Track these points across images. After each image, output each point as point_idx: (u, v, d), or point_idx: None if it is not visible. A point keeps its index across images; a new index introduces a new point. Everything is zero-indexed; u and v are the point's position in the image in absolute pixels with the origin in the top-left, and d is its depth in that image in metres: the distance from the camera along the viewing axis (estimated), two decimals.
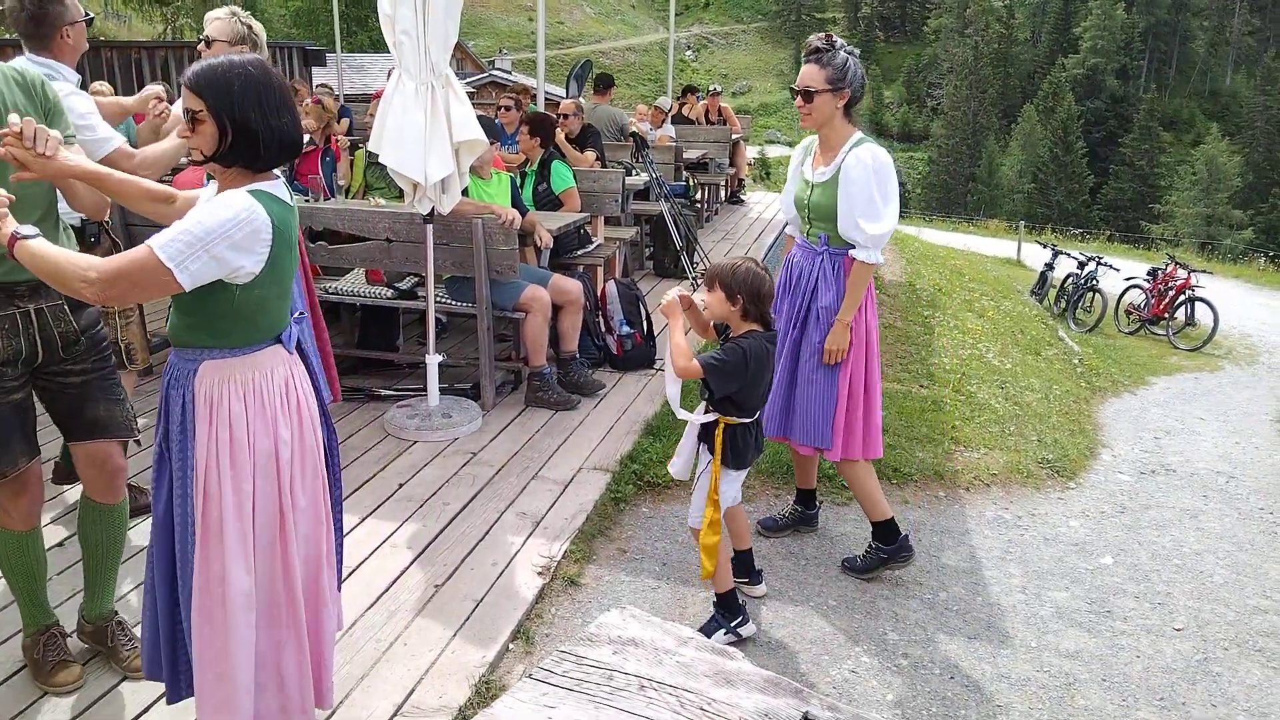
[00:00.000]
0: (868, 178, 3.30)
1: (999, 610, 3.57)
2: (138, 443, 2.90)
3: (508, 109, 7.36)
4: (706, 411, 3.11)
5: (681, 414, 3.08)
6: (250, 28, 4.09)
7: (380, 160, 4.38)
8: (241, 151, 2.09)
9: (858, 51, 3.45)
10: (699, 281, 3.31)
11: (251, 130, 2.07)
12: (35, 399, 2.68)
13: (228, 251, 2.00)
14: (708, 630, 3.24)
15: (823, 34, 3.46)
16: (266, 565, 2.20)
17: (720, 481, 3.08)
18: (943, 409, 5.53)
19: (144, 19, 21.09)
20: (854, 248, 3.42)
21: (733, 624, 3.21)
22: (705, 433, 3.13)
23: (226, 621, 2.13)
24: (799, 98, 3.40)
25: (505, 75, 27.61)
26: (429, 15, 4.18)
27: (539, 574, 3.45)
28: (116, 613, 2.91)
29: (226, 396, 2.13)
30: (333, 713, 2.67)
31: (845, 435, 3.55)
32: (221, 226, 1.99)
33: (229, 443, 2.12)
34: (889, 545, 3.65)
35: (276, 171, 2.20)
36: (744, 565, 3.48)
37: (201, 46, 4.05)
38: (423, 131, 4.25)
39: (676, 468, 3.27)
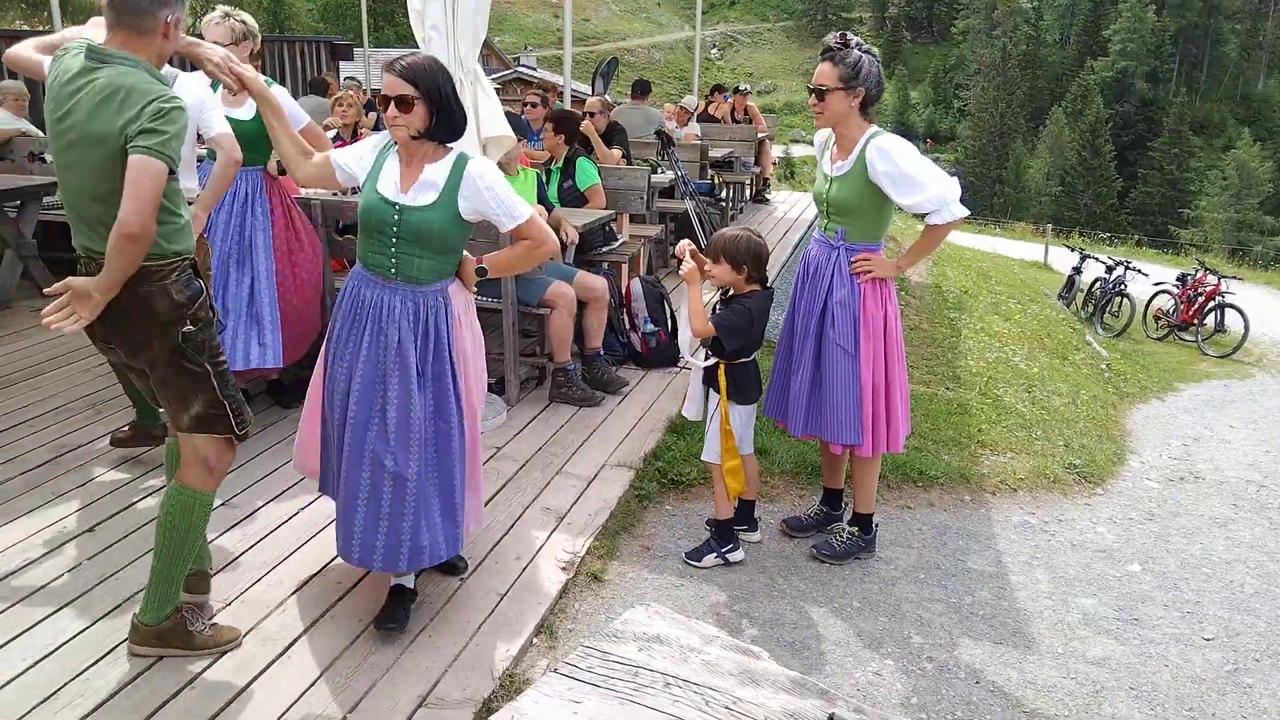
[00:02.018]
0: (892, 159, 3.31)
1: (1025, 615, 3.54)
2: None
3: (534, 105, 7.36)
4: (707, 358, 3.60)
5: (691, 361, 3.66)
6: (245, 23, 4.17)
7: None
8: (443, 127, 2.75)
9: (875, 51, 3.44)
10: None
11: (450, 111, 2.74)
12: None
13: None
14: (699, 553, 3.69)
15: (838, 33, 3.47)
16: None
17: (729, 414, 3.53)
18: (969, 412, 5.49)
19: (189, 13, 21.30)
20: (875, 243, 3.53)
21: (723, 549, 3.68)
22: (709, 377, 3.60)
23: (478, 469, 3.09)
24: (813, 95, 3.43)
25: (530, 72, 27.67)
26: (459, 11, 4.18)
27: (563, 569, 3.45)
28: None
29: (469, 304, 2.97)
30: (357, 703, 2.68)
31: (870, 428, 3.54)
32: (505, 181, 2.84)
33: (474, 335, 2.98)
34: (868, 536, 3.83)
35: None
36: (746, 513, 3.84)
37: None
38: None
39: (689, 410, 3.76)
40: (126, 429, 4.15)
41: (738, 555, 3.69)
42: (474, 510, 3.14)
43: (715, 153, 9.51)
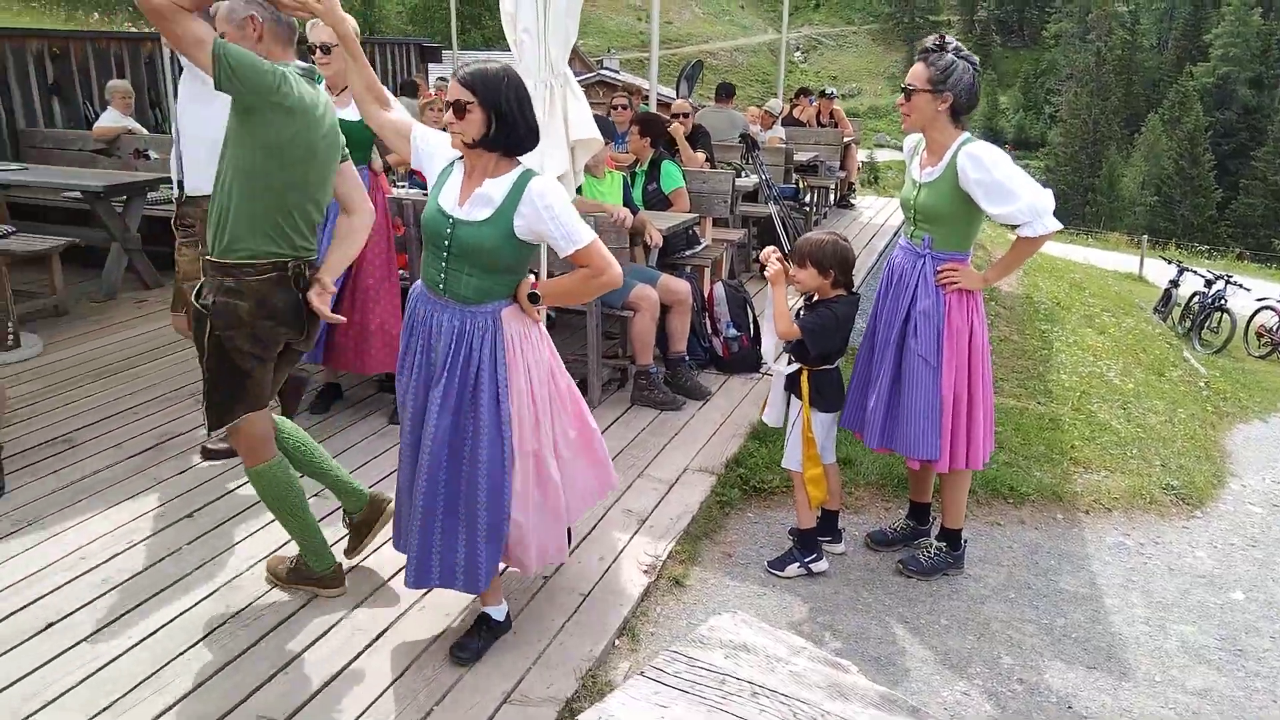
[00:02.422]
0: (985, 167, 3.23)
1: (1120, 641, 3.41)
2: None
3: (623, 108, 7.39)
4: (790, 363, 3.53)
5: (773, 366, 3.60)
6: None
7: None
8: (503, 138, 2.59)
9: (975, 60, 3.34)
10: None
11: (513, 123, 2.58)
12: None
13: None
14: (782, 562, 3.64)
15: (938, 35, 3.41)
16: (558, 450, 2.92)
17: (811, 421, 3.49)
18: (1061, 427, 5.33)
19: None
20: (963, 252, 3.44)
21: (807, 558, 3.63)
22: (792, 383, 3.55)
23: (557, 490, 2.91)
24: (902, 95, 3.39)
25: (613, 75, 27.78)
26: (550, 13, 4.21)
27: (644, 572, 3.45)
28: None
29: (527, 330, 2.77)
30: (444, 695, 2.72)
31: (950, 443, 3.46)
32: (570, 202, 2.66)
33: (535, 364, 2.77)
34: (956, 552, 3.74)
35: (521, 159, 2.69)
36: (829, 524, 3.79)
37: (318, 54, 4.18)
38: (541, 129, 4.28)
39: (770, 416, 3.69)
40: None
41: (821, 565, 3.65)
42: (535, 544, 2.91)
43: (800, 156, 9.43)
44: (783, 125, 10.50)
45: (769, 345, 3.55)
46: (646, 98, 8.68)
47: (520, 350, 2.74)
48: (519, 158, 2.68)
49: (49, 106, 8.56)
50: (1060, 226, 3.34)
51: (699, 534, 3.83)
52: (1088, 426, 5.45)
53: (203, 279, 2.90)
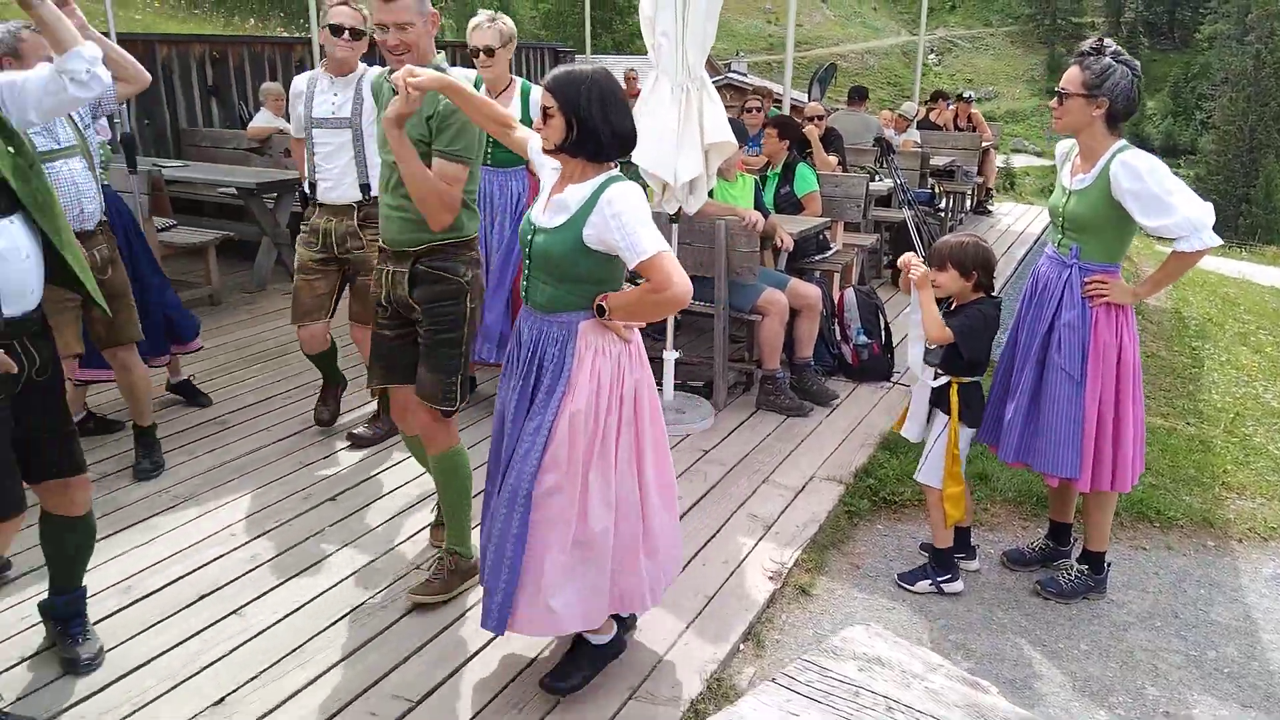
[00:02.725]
0: (1140, 177, 3.07)
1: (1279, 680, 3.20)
2: (448, 410, 3.21)
3: (755, 110, 7.35)
4: (936, 376, 3.40)
5: (920, 377, 3.44)
6: (508, 25, 4.34)
7: (632, 159, 4.48)
8: (583, 145, 2.47)
9: (1136, 65, 3.18)
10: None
11: (593, 128, 2.44)
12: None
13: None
14: (913, 577, 3.55)
15: (1097, 37, 3.27)
16: (627, 489, 2.64)
17: (959, 437, 3.37)
18: (1212, 450, 5.03)
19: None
20: (1113, 265, 3.30)
21: (940, 577, 3.51)
22: (938, 397, 3.41)
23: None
24: (1055, 98, 3.25)
25: (741, 77, 27.69)
26: (689, 17, 4.23)
27: (770, 578, 3.43)
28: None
29: (606, 347, 2.56)
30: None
31: (1093, 463, 3.31)
32: (647, 211, 2.44)
33: (609, 386, 2.55)
34: (1098, 575, 3.57)
35: (613, 165, 2.56)
36: (963, 540, 3.68)
37: (482, 57, 4.31)
38: (675, 133, 4.31)
39: (910, 430, 3.54)
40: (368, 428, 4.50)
41: (956, 587, 3.53)
42: (559, 602, 2.56)
43: (936, 161, 9.19)
44: (918, 129, 10.27)
45: (915, 354, 3.42)
46: (779, 101, 8.61)
47: (591, 367, 2.54)
48: (612, 163, 2.55)
49: (208, 107, 9.10)
50: (1219, 242, 3.15)
51: (826, 543, 3.77)
52: (1241, 450, 5.13)
53: (444, 261, 3.01)
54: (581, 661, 2.78)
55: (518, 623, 2.60)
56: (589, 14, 11.18)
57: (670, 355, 4.81)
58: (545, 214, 2.57)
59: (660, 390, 4.87)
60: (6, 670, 2.82)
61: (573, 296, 2.54)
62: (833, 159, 7.39)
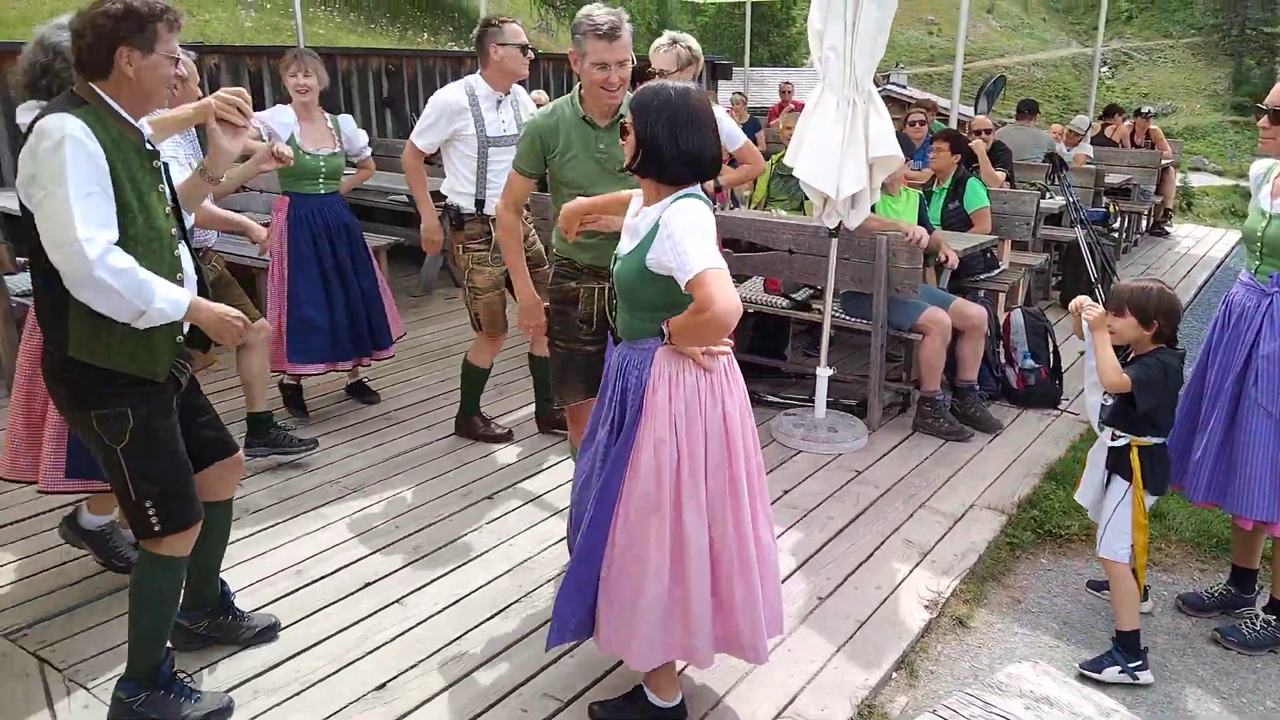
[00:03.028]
0: None
1: None
2: None
3: (919, 124, 7.18)
4: (1114, 438, 3.11)
5: (1099, 435, 3.18)
6: (690, 49, 4.21)
7: (795, 173, 4.44)
8: (648, 165, 2.35)
9: None
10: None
11: (657, 148, 2.32)
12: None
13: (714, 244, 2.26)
14: (1098, 665, 3.08)
15: None
16: (720, 523, 2.45)
17: (1142, 506, 3.07)
18: None
19: (569, 31, 23.27)
20: None
21: (1131, 665, 3.06)
22: (1117, 460, 3.11)
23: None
24: (1264, 116, 3.02)
25: (900, 90, 27.06)
26: (859, 31, 4.16)
27: (925, 607, 3.32)
28: None
29: (681, 374, 2.41)
30: (717, 703, 2.75)
31: None
32: (703, 227, 2.25)
33: (683, 414, 2.39)
34: None
35: (696, 189, 2.38)
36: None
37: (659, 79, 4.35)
38: (840, 146, 4.25)
39: (1084, 497, 3.31)
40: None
41: (1147, 677, 3.06)
42: (635, 639, 2.46)
43: (1112, 178, 8.73)
44: (1092, 144, 9.78)
45: (1093, 403, 3.16)
46: (943, 114, 8.38)
47: (665, 394, 2.40)
48: (689, 185, 2.38)
49: (382, 118, 9.57)
50: None
51: (985, 575, 3.63)
52: None
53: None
54: (632, 711, 2.68)
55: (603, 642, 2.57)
56: (749, 26, 11.17)
57: (823, 372, 4.74)
58: (623, 239, 2.49)
59: (812, 407, 4.84)
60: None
61: (647, 323, 2.43)
62: (1000, 174, 7.14)
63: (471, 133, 4.21)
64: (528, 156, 3.22)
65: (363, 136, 4.81)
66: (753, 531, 2.49)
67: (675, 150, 2.32)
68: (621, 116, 2.92)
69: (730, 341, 2.50)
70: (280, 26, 15.51)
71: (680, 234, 2.21)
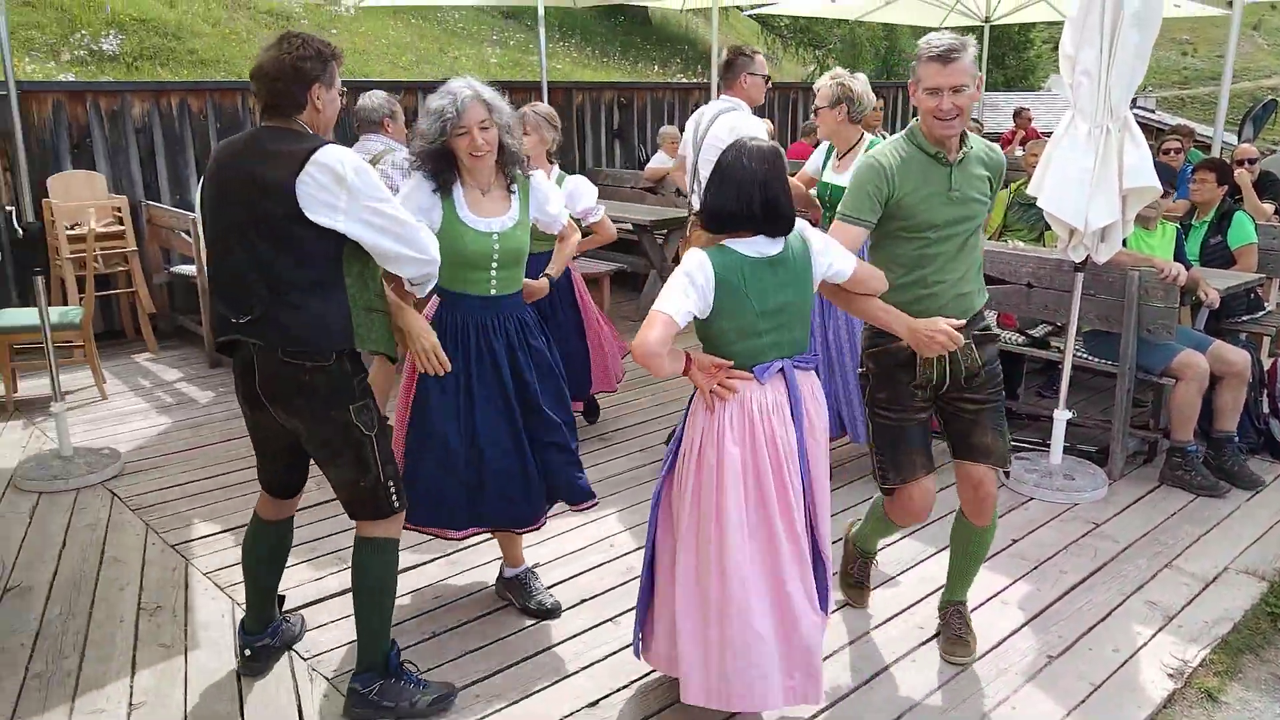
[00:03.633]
0: None
1: None
2: (1009, 470, 3.10)
3: (1175, 152, 6.66)
4: None
5: None
6: (844, 85, 4.19)
7: (1039, 203, 4.23)
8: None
9: None
10: None
11: (704, 196, 2.57)
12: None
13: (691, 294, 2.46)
14: None
15: None
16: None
17: None
18: None
19: (793, 59, 23.27)
20: None
21: None
22: None
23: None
24: None
25: (1148, 114, 25.18)
26: (1116, 55, 3.92)
27: (1169, 675, 3.05)
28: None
29: (696, 408, 2.62)
30: None
31: None
32: (689, 274, 2.47)
33: (699, 454, 2.55)
34: None
35: (729, 242, 2.51)
36: None
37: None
38: (1090, 176, 4.01)
39: None
40: None
41: None
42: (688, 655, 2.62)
43: None
44: None
45: None
46: (1201, 141, 7.72)
47: (695, 426, 2.62)
48: (724, 238, 2.56)
49: (611, 149, 9.93)
50: None
51: (1241, 646, 3.28)
52: None
53: None
54: None
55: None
56: (986, 50, 10.77)
57: (1062, 415, 4.47)
58: None
59: (1047, 451, 4.56)
60: (420, 642, 3.23)
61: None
62: (1268, 207, 6.51)
63: None
64: (867, 202, 2.82)
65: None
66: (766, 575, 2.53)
67: (707, 200, 2.55)
68: (969, 149, 2.86)
69: (744, 379, 2.54)
70: (522, 62, 16.45)
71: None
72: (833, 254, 2.64)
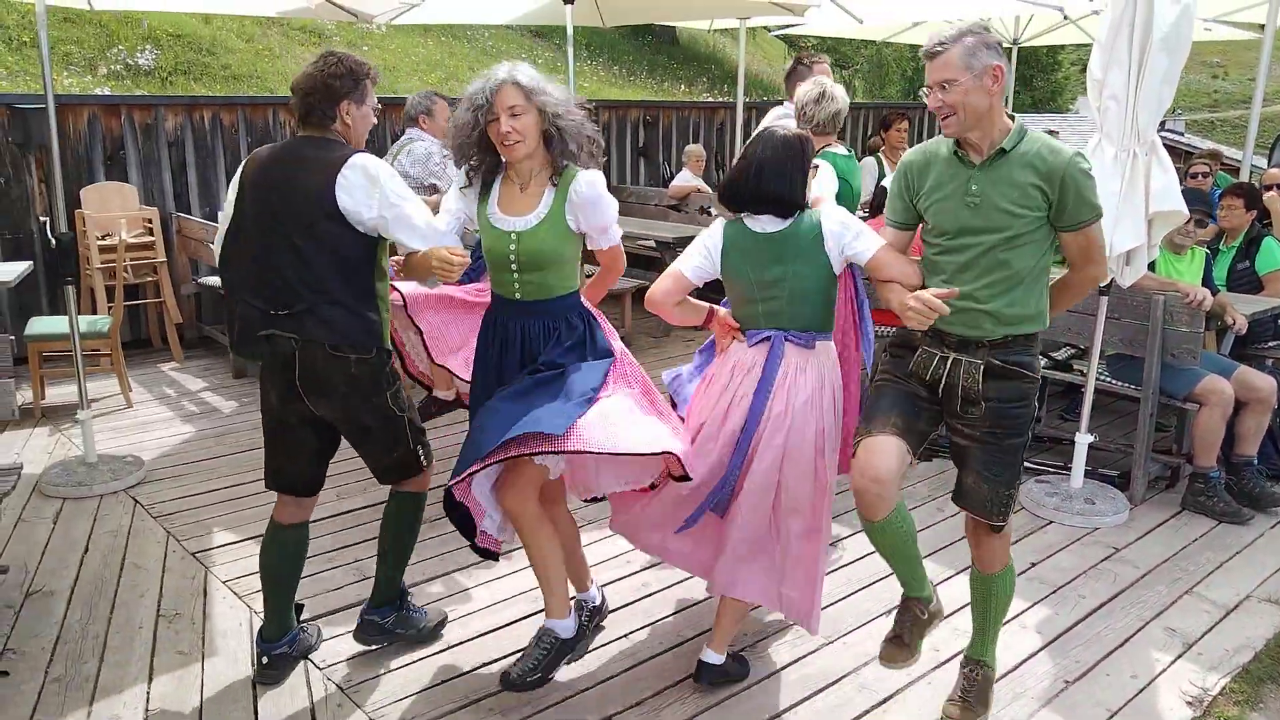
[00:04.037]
0: None
1: None
2: (1000, 524, 2.72)
3: (1203, 176, 6.61)
4: None
5: None
6: (824, 94, 3.73)
7: None
8: None
9: None
10: None
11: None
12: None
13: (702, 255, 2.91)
14: None
15: None
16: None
17: None
18: None
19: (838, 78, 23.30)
20: None
21: None
22: None
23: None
24: None
25: (1177, 137, 24.98)
26: (1144, 80, 3.91)
27: (1188, 703, 3.01)
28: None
29: None
30: None
31: None
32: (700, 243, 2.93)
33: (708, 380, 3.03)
34: None
35: (736, 218, 2.84)
36: None
37: None
38: (1116, 199, 3.99)
39: None
40: None
41: None
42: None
43: None
44: None
45: None
46: (1228, 165, 7.66)
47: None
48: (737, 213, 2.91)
49: (636, 166, 9.98)
50: None
51: (1263, 675, 3.23)
52: None
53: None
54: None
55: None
56: (1013, 71, 10.74)
57: (1083, 438, 4.43)
58: None
59: (1067, 474, 4.52)
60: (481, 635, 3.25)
61: None
62: None
63: None
64: (895, 202, 2.77)
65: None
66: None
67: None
68: (1005, 152, 2.53)
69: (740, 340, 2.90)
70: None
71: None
72: (853, 237, 2.76)
